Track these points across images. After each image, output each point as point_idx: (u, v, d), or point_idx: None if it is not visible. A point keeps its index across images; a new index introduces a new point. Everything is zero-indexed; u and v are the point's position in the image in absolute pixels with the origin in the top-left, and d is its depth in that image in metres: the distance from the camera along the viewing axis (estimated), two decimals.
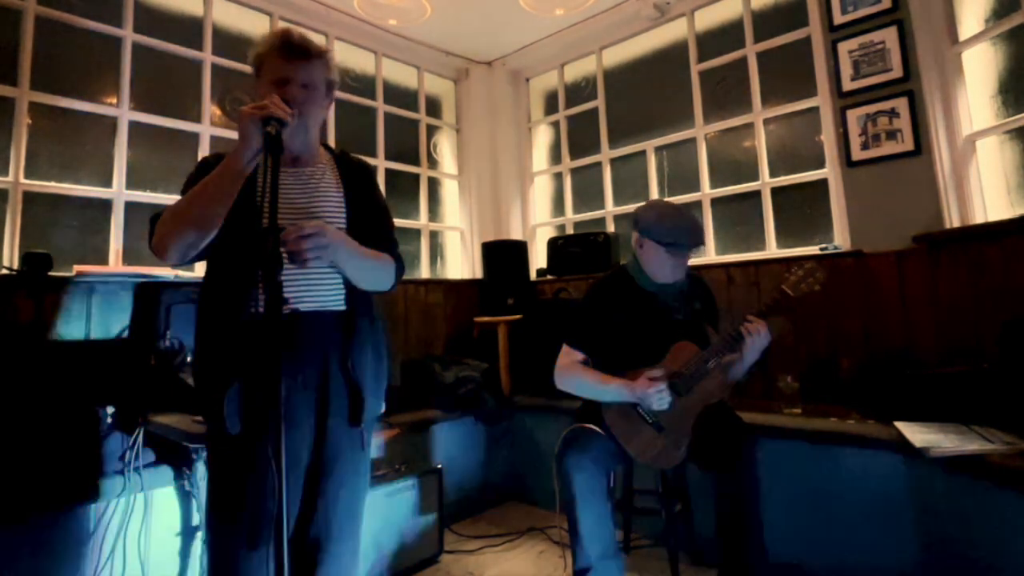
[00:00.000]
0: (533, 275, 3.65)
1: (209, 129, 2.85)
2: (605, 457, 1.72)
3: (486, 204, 4.04)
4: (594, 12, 3.48)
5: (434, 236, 3.92)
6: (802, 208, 2.84)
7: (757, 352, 1.68)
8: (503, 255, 3.50)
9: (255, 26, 3.07)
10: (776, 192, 2.92)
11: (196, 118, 2.83)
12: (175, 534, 1.81)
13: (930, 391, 1.96)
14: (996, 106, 2.29)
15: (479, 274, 3.73)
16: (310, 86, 1.25)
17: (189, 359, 2.05)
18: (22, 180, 2.28)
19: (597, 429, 1.75)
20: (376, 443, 2.34)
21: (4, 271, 2.09)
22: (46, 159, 2.38)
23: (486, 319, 3.34)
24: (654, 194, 3.40)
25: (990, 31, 2.26)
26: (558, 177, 3.99)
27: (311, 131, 1.30)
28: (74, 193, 2.42)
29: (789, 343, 2.51)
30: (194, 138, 2.82)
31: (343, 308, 1.26)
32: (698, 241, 1.81)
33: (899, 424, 1.91)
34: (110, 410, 1.76)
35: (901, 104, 2.40)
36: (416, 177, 3.83)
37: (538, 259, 3.76)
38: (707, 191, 3.17)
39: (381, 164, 3.58)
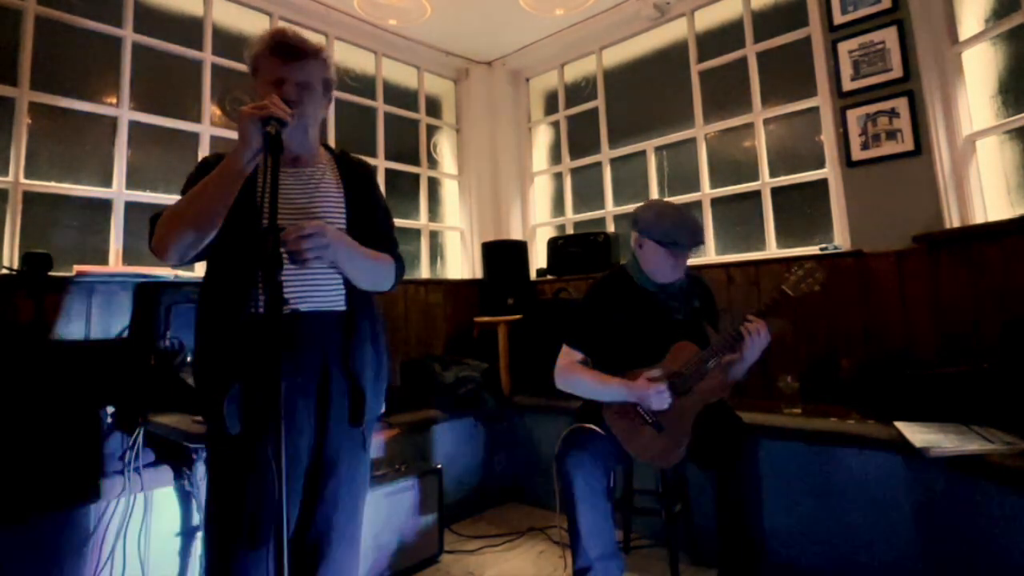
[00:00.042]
0: (533, 275, 3.65)
1: (209, 129, 2.85)
2: (605, 457, 1.72)
3: (486, 204, 4.04)
4: (594, 12, 3.48)
5: (434, 236, 3.92)
6: (802, 208, 2.84)
7: (757, 352, 1.68)
8: (503, 255, 3.50)
9: (255, 26, 3.07)
10: (776, 192, 2.92)
11: (196, 118, 2.83)
12: (175, 534, 1.81)
13: (930, 391, 1.96)
14: (996, 106, 2.29)
15: (479, 274, 3.73)
16: (307, 86, 1.25)
17: (189, 359, 2.05)
18: (22, 180, 2.28)
19: (597, 429, 1.75)
20: (376, 443, 2.34)
21: (4, 271, 2.09)
22: (46, 159, 2.38)
23: (486, 319, 3.34)
24: (654, 194, 3.40)
25: (990, 31, 2.26)
26: (558, 177, 3.99)
27: (310, 131, 1.29)
28: (74, 193, 2.42)
29: (789, 343, 2.51)
30: (194, 138, 2.82)
31: (343, 308, 1.26)
32: (697, 240, 1.81)
33: (899, 424, 1.91)
34: (110, 410, 1.76)
35: (901, 104, 2.40)
36: (416, 177, 3.83)
37: (538, 259, 3.76)
38: (707, 191, 3.17)
39: (381, 164, 3.58)
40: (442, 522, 2.34)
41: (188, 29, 2.85)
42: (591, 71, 3.79)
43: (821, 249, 2.57)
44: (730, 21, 3.13)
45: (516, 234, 3.98)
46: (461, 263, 4.02)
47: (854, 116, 2.52)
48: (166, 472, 1.80)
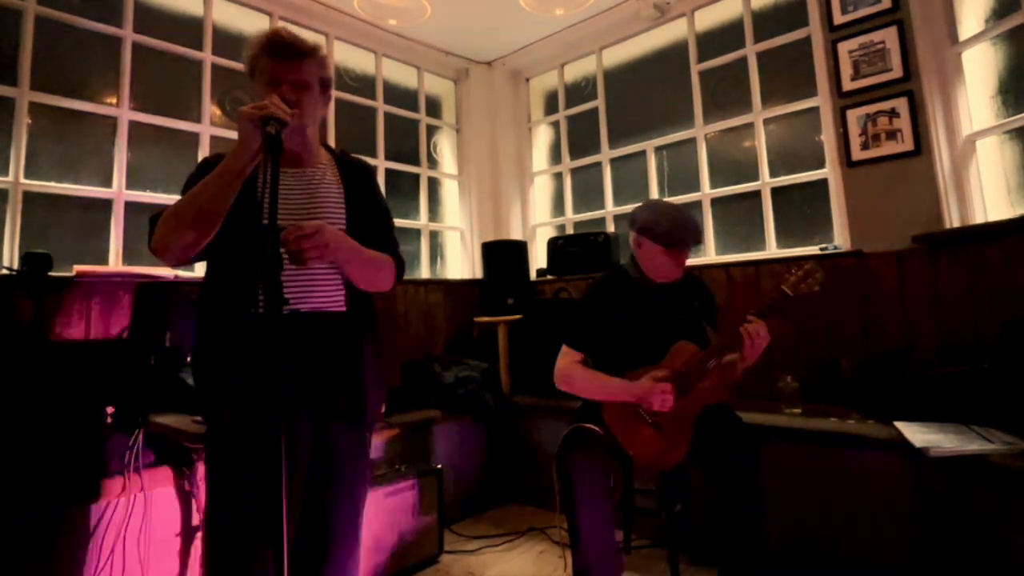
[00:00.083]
0: (533, 275, 3.65)
1: (209, 129, 2.85)
2: (605, 457, 1.72)
3: (486, 204, 4.04)
4: (594, 12, 3.48)
5: (434, 236, 3.92)
6: (802, 208, 2.84)
7: (757, 352, 1.68)
8: (503, 255, 3.49)
9: (255, 26, 3.07)
10: (776, 192, 2.92)
11: (196, 118, 2.83)
12: (175, 534, 1.81)
13: (930, 391, 1.96)
14: (996, 106, 2.29)
15: (479, 274, 3.73)
16: (304, 85, 1.25)
17: (189, 359, 2.05)
18: (22, 180, 2.28)
19: (597, 429, 1.75)
20: (376, 443, 2.34)
21: (4, 271, 2.09)
22: (46, 159, 2.38)
23: (486, 319, 3.34)
24: (654, 194, 3.40)
25: (990, 31, 2.26)
26: (558, 177, 3.99)
27: (308, 130, 1.29)
28: (74, 193, 2.42)
29: (789, 343, 2.51)
30: (194, 138, 2.82)
31: (343, 308, 1.26)
32: (696, 239, 1.81)
33: (899, 424, 1.91)
34: (110, 410, 1.76)
35: (901, 104, 2.40)
36: (416, 177, 3.83)
37: (538, 259, 3.76)
38: (707, 191, 3.17)
39: (381, 164, 3.58)
40: (442, 522, 2.34)
41: (188, 29, 2.85)
42: (591, 71, 3.79)
43: (821, 249, 2.58)
44: (730, 21, 3.13)
45: (516, 234, 3.98)
46: (461, 263, 4.02)
47: (854, 116, 2.52)
48: (166, 472, 1.80)
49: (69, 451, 1.68)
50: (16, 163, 2.27)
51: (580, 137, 3.86)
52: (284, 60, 1.24)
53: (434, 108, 4.05)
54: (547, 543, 2.44)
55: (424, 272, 3.78)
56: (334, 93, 1.39)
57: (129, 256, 2.51)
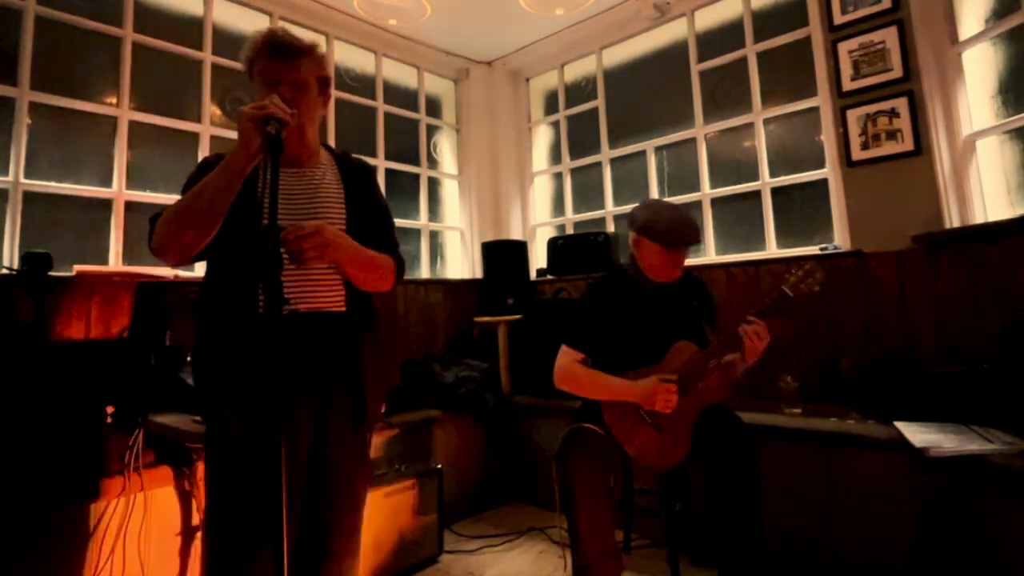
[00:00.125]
0: (533, 275, 3.65)
1: (209, 129, 2.85)
2: (605, 457, 1.72)
3: (486, 204, 4.04)
4: (594, 12, 3.48)
5: (434, 236, 3.92)
6: (802, 208, 2.84)
7: (757, 352, 1.68)
8: (503, 255, 3.49)
9: (255, 26, 3.07)
10: (776, 192, 2.92)
11: (196, 118, 2.83)
12: (175, 534, 1.81)
13: (930, 391, 1.96)
14: (996, 106, 2.29)
15: (479, 274, 3.73)
16: (301, 85, 1.25)
17: (189, 359, 2.05)
18: (22, 180, 2.28)
19: (597, 429, 1.75)
20: (376, 443, 2.34)
21: (4, 271, 2.09)
22: (46, 159, 2.38)
23: (486, 319, 3.34)
24: (654, 194, 3.40)
25: (990, 31, 2.26)
26: (558, 177, 3.99)
27: (307, 129, 1.28)
28: (74, 193, 2.42)
29: (789, 343, 2.51)
30: (194, 138, 2.82)
31: (343, 309, 1.26)
32: (694, 239, 1.81)
33: (899, 424, 1.91)
34: (110, 410, 1.76)
35: (901, 104, 2.40)
36: (416, 177, 3.83)
37: (538, 259, 3.76)
38: (707, 191, 3.17)
39: (381, 164, 3.58)
40: (442, 522, 2.34)
41: (188, 29, 2.85)
42: (591, 71, 3.79)
43: (821, 249, 2.58)
44: (730, 21, 3.13)
45: (516, 234, 3.98)
46: (461, 263, 4.02)
47: (854, 116, 2.52)
48: (166, 472, 1.80)
49: (69, 451, 1.68)
50: (16, 163, 2.27)
51: (580, 137, 3.86)
52: (281, 60, 1.23)
53: (434, 108, 4.05)
54: (547, 543, 2.44)
55: (424, 272, 3.78)
56: (334, 93, 1.39)
57: (129, 256, 2.51)
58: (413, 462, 2.39)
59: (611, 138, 3.66)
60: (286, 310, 0.94)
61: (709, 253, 3.12)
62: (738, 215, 3.07)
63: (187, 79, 2.83)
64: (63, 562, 1.61)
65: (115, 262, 2.48)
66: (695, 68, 3.24)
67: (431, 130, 3.99)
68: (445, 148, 4.09)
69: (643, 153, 3.47)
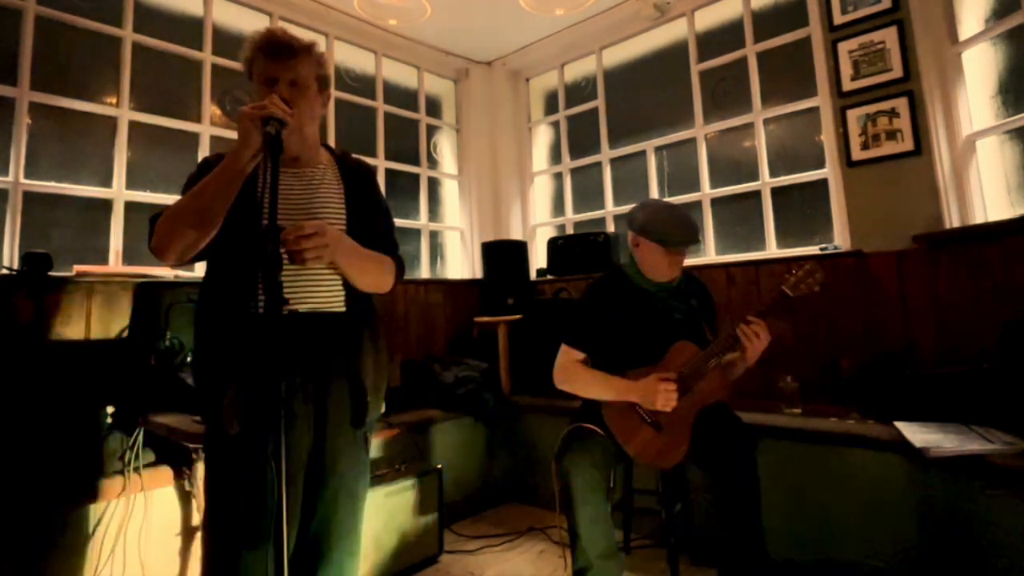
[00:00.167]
0: (533, 275, 3.65)
1: (209, 129, 2.85)
2: (604, 457, 1.72)
3: (486, 204, 4.04)
4: (594, 12, 3.48)
5: (434, 236, 3.92)
6: (802, 208, 2.84)
7: (757, 353, 1.68)
8: (503, 255, 3.49)
9: (255, 26, 3.06)
10: (776, 192, 2.92)
11: (196, 118, 2.83)
12: (175, 534, 1.81)
13: (930, 391, 1.96)
14: (996, 106, 2.29)
15: (479, 274, 3.73)
16: (299, 83, 1.24)
17: (189, 359, 2.05)
18: (22, 180, 2.28)
19: (596, 429, 1.75)
20: (376, 443, 2.34)
21: (4, 271, 2.09)
22: (46, 159, 2.38)
23: (486, 319, 3.34)
24: (654, 194, 3.40)
25: (990, 31, 2.26)
26: (558, 177, 3.99)
27: (306, 129, 1.28)
28: (74, 193, 2.42)
29: (789, 343, 2.51)
30: (194, 138, 2.82)
31: (343, 309, 1.26)
32: (693, 238, 1.81)
33: (899, 424, 1.91)
34: (110, 410, 1.76)
35: (901, 104, 2.40)
36: (416, 177, 3.83)
37: (538, 259, 3.76)
38: (707, 191, 3.17)
39: (381, 164, 3.58)
40: (442, 522, 2.34)
41: (188, 29, 2.85)
42: (591, 71, 3.79)
43: (821, 249, 2.58)
44: (730, 21, 3.13)
45: (516, 234, 3.98)
46: (461, 263, 4.02)
47: (854, 116, 2.52)
48: (166, 472, 1.80)
49: (69, 451, 1.69)
50: (16, 163, 2.27)
51: (580, 137, 3.86)
52: (279, 58, 1.23)
53: (434, 108, 4.05)
54: (547, 543, 2.44)
55: (424, 272, 3.78)
56: (334, 93, 1.38)
57: (129, 256, 2.52)
58: (413, 462, 2.39)
59: (611, 138, 3.66)
60: (286, 310, 0.94)
61: (709, 253, 3.12)
62: (738, 215, 3.07)
63: (187, 79, 2.84)
64: (63, 562, 1.61)
65: (115, 262, 2.48)
66: (695, 68, 3.24)
67: (431, 130, 3.99)
68: (445, 148, 4.09)
69: (643, 153, 3.47)
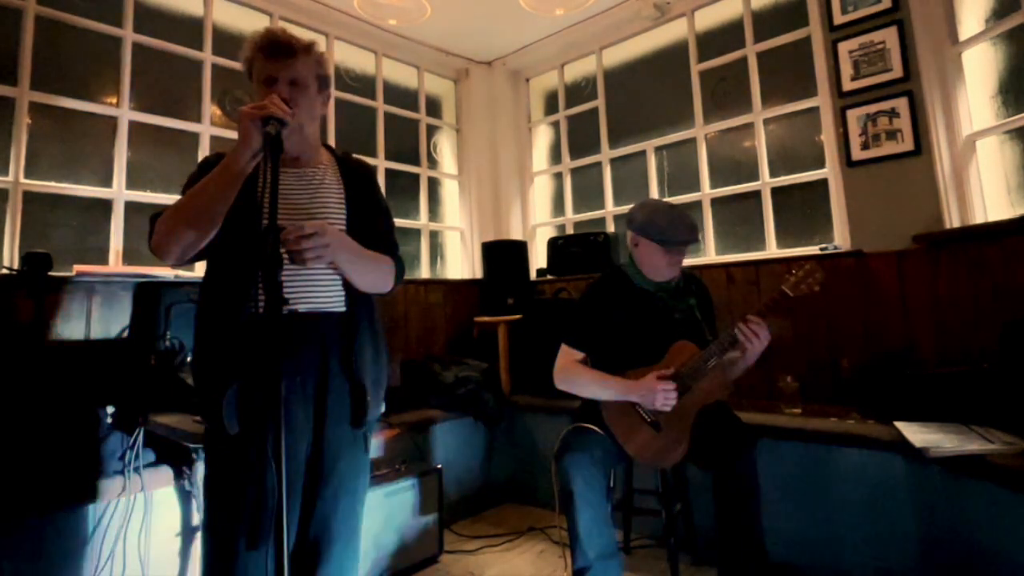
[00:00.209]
0: (533, 275, 3.65)
1: (209, 129, 2.85)
2: (604, 457, 1.72)
3: (486, 204, 4.04)
4: (594, 12, 3.48)
5: (434, 236, 3.92)
6: (802, 208, 2.84)
7: (757, 352, 1.69)
8: (503, 255, 3.49)
9: (255, 26, 3.06)
10: (776, 192, 2.92)
11: (196, 118, 2.83)
12: (175, 534, 1.80)
13: (930, 391, 1.96)
14: (996, 106, 2.29)
15: (479, 274, 3.73)
16: (298, 83, 1.24)
17: (189, 359, 2.05)
18: (22, 180, 2.28)
19: (596, 429, 1.75)
20: (376, 443, 2.34)
21: (4, 271, 2.09)
22: (46, 159, 2.38)
23: (486, 319, 3.34)
24: (654, 194, 3.40)
25: (990, 31, 2.26)
26: (558, 177, 3.99)
27: (306, 128, 1.27)
28: (74, 193, 2.42)
29: (789, 343, 2.51)
30: (194, 138, 2.82)
31: (342, 309, 1.26)
32: (692, 237, 1.81)
33: (899, 424, 1.91)
34: (110, 410, 1.76)
35: (901, 104, 2.40)
36: (416, 177, 3.83)
37: (538, 259, 3.76)
38: (707, 191, 3.17)
39: (381, 164, 3.58)
40: (442, 522, 2.34)
41: (188, 29, 2.85)
42: (591, 71, 3.79)
43: (821, 249, 2.58)
44: (730, 21, 3.13)
45: (516, 234, 3.98)
46: (461, 263, 4.02)
47: (854, 116, 2.52)
48: (166, 472, 1.80)
49: (69, 451, 1.68)
50: (16, 163, 2.27)
51: (580, 137, 3.86)
52: (278, 57, 1.23)
53: (434, 108, 4.05)
54: (547, 543, 2.44)
55: (424, 272, 3.78)
56: (334, 93, 1.38)
57: (129, 256, 2.52)
58: (413, 462, 2.39)
59: (611, 138, 3.66)
60: (286, 310, 0.94)
61: (709, 253, 3.12)
62: (738, 215, 3.07)
63: (187, 79, 2.83)
64: (63, 562, 1.61)
65: (115, 262, 2.48)
66: (695, 68, 3.24)
67: (431, 130, 3.99)
68: (445, 148, 4.09)
69: (643, 153, 3.47)
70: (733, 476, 1.64)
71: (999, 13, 2.25)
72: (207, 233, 1.15)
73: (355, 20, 3.38)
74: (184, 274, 2.38)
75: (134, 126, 2.61)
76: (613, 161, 3.65)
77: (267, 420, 0.89)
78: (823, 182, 2.74)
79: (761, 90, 2.98)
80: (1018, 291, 2.01)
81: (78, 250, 2.41)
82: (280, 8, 3.13)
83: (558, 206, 3.99)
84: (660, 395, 1.67)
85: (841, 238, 2.60)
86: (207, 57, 2.88)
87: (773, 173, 2.94)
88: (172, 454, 1.81)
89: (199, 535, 1.82)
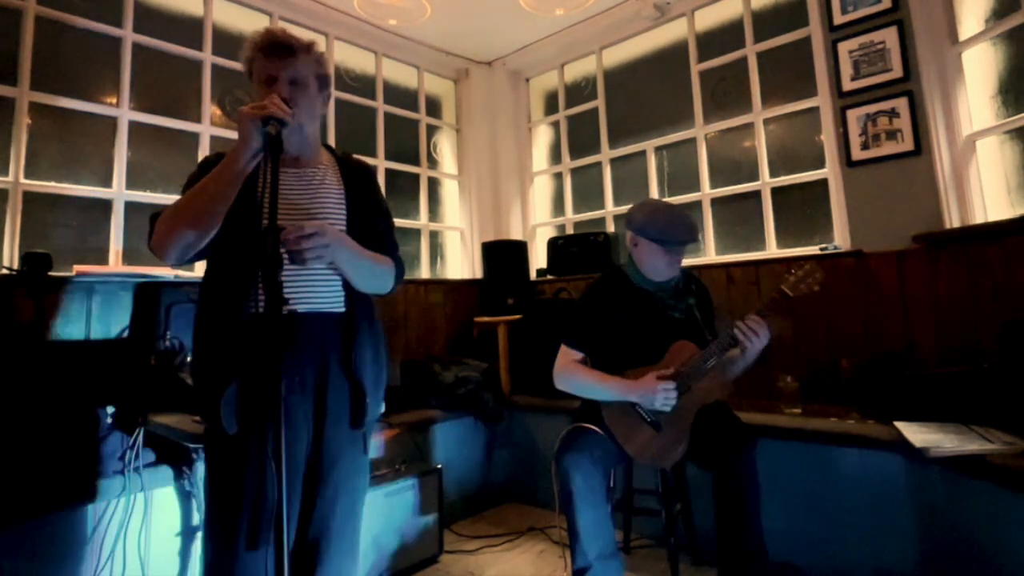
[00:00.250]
0: (533, 275, 3.65)
1: (209, 129, 2.85)
2: (604, 457, 1.72)
3: (486, 204, 4.04)
4: (594, 12, 3.48)
5: (434, 236, 3.92)
6: (802, 208, 2.84)
7: (757, 352, 1.69)
8: (503, 255, 3.50)
9: (255, 26, 3.06)
10: (776, 192, 2.92)
11: (196, 118, 2.83)
12: (175, 534, 1.80)
13: (930, 391, 1.96)
14: (996, 106, 2.29)
15: (479, 274, 3.73)
16: (298, 82, 1.24)
17: (189, 359, 2.05)
18: (22, 180, 2.28)
19: (596, 429, 1.75)
20: (376, 443, 2.34)
21: (4, 271, 2.09)
22: (46, 159, 2.38)
23: (486, 319, 3.34)
24: (654, 194, 3.40)
25: (990, 31, 2.26)
26: (558, 177, 3.99)
27: (306, 128, 1.28)
28: (74, 193, 2.42)
29: (789, 343, 2.51)
30: (194, 138, 2.82)
31: (342, 310, 1.26)
32: (692, 237, 1.82)
33: (899, 424, 1.91)
34: (110, 410, 1.76)
35: (901, 104, 2.40)
36: (416, 177, 3.83)
37: (538, 259, 3.76)
38: (707, 191, 3.17)
39: (381, 164, 3.58)
40: (442, 522, 2.34)
41: (188, 29, 2.85)
42: (591, 71, 3.79)
43: (821, 249, 2.58)
44: (730, 21, 3.13)
45: (516, 234, 3.98)
46: (461, 263, 4.02)
47: (854, 116, 2.52)
48: (166, 472, 1.80)
49: (69, 451, 1.68)
50: (16, 163, 2.27)
51: (580, 137, 3.86)
52: (278, 57, 1.23)
53: (434, 108, 4.05)
54: (547, 543, 2.44)
55: (424, 272, 3.78)
56: (334, 93, 1.38)
57: (129, 256, 2.52)
58: (413, 462, 2.39)
59: (611, 138, 3.66)
60: (285, 310, 0.94)
61: (709, 253, 3.12)
62: (738, 215, 3.07)
63: (187, 79, 2.84)
64: (63, 562, 1.61)
65: (115, 262, 2.48)
66: (695, 68, 3.24)
67: (431, 130, 3.99)
68: (445, 148, 4.09)
69: (643, 153, 3.47)
70: (733, 476, 1.64)
71: (999, 13, 2.25)
72: (207, 233, 1.16)
73: (355, 20, 3.38)
74: (184, 274, 2.38)
75: (134, 126, 2.61)
76: (613, 161, 3.65)
77: (267, 420, 0.89)
78: (823, 182, 2.74)
79: (761, 90, 2.98)
80: (1018, 291, 2.01)
81: (78, 250, 2.41)
82: (280, 8, 3.13)
83: (558, 206, 3.99)
84: (660, 395, 1.67)
85: (841, 238, 2.60)
86: (207, 57, 2.88)
87: (773, 173, 2.94)
88: (172, 454, 1.81)
89: (199, 535, 1.82)
